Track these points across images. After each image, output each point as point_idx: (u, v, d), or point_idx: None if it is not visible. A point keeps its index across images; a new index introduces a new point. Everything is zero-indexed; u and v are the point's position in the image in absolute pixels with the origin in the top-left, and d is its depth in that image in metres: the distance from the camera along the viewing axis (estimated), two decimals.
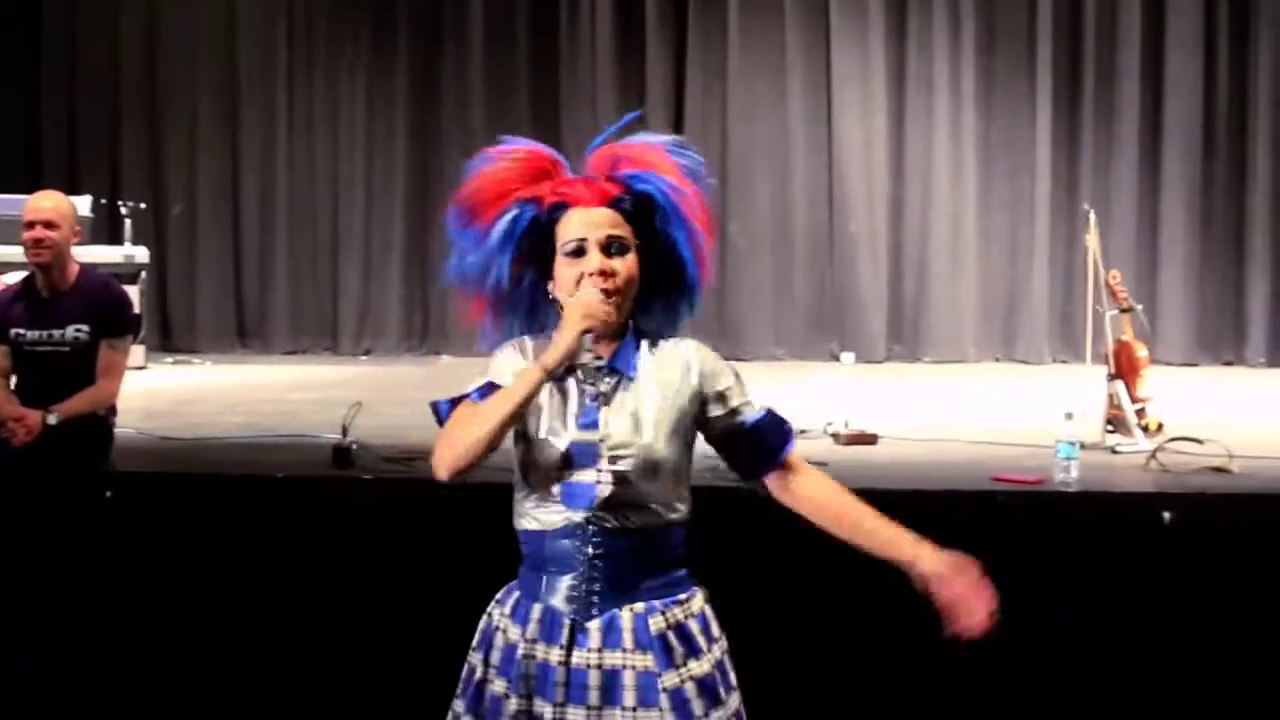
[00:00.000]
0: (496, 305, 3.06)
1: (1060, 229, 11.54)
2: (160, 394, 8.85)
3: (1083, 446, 5.66)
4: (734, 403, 3.02)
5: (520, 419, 2.86)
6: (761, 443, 3.05)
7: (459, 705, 3.02)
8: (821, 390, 9.16)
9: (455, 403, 2.96)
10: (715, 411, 3.02)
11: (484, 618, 3.03)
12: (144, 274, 10.32)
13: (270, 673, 5.25)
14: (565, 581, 2.92)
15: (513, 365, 2.95)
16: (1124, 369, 6.79)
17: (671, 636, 2.92)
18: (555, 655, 2.90)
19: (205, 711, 5.27)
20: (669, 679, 2.89)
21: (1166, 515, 5.21)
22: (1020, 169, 11.90)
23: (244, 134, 12.47)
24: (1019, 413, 8.17)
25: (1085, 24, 11.93)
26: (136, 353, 9.80)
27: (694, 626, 2.96)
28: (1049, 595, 5.01)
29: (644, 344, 3.00)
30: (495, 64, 12.13)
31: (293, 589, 5.25)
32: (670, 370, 2.98)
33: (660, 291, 3.03)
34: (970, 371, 11.36)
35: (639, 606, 2.92)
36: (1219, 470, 5.86)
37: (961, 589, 2.88)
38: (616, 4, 12.03)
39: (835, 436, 6.59)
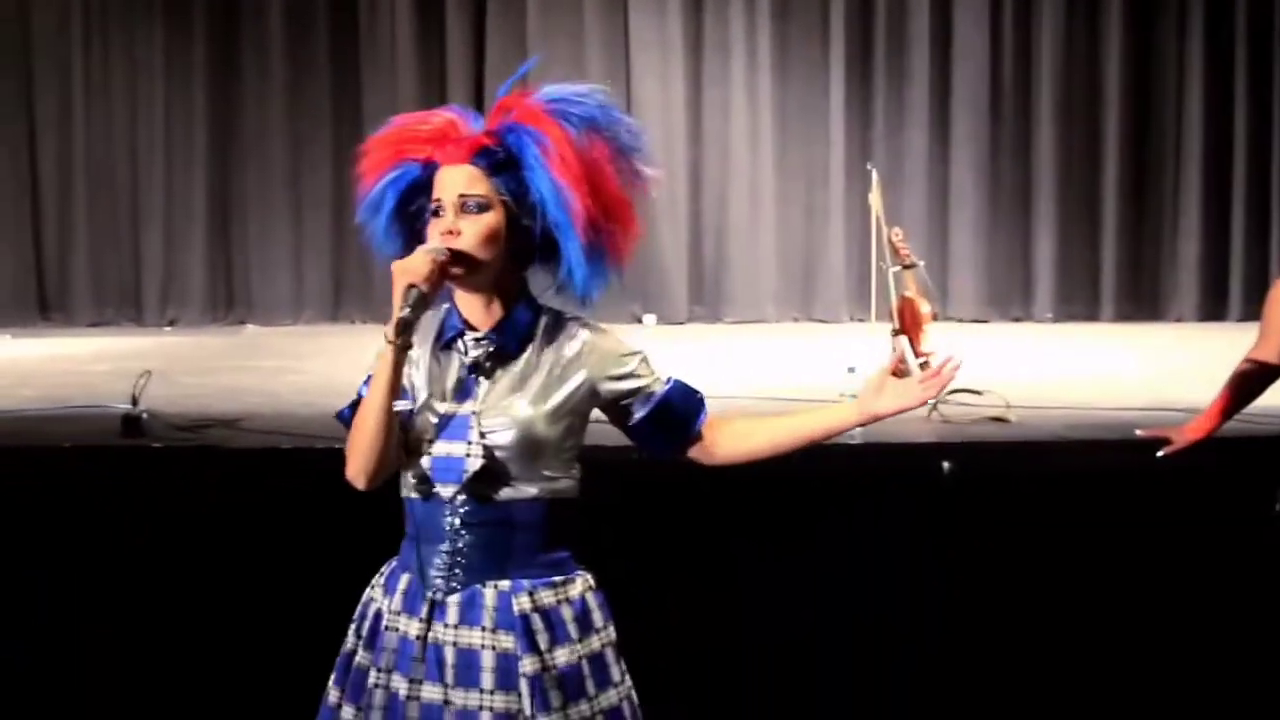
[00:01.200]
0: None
1: (854, 191, 11.65)
2: None
3: None
4: (636, 385, 2.87)
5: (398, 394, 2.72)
6: (675, 420, 2.92)
7: (332, 687, 2.92)
8: None
9: (354, 406, 2.84)
10: (618, 401, 2.87)
11: (367, 589, 2.92)
12: None
13: (58, 642, 5.12)
14: (434, 553, 2.79)
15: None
16: (908, 324, 6.87)
17: (536, 619, 2.78)
18: (415, 628, 2.79)
19: None
20: (529, 664, 2.75)
21: (946, 465, 5.28)
22: (815, 133, 12.03)
23: (39, 102, 12.07)
24: (813, 370, 8.25)
25: None
26: None
27: (566, 612, 2.82)
28: (832, 545, 5.08)
29: (543, 318, 2.84)
30: (294, 31, 11.93)
31: (80, 559, 5.13)
32: (563, 349, 2.82)
33: (546, 252, 2.81)
34: (770, 331, 11.49)
35: (504, 584, 2.78)
36: (997, 420, 5.96)
37: (888, 398, 2.83)
38: None
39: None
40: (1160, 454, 5.16)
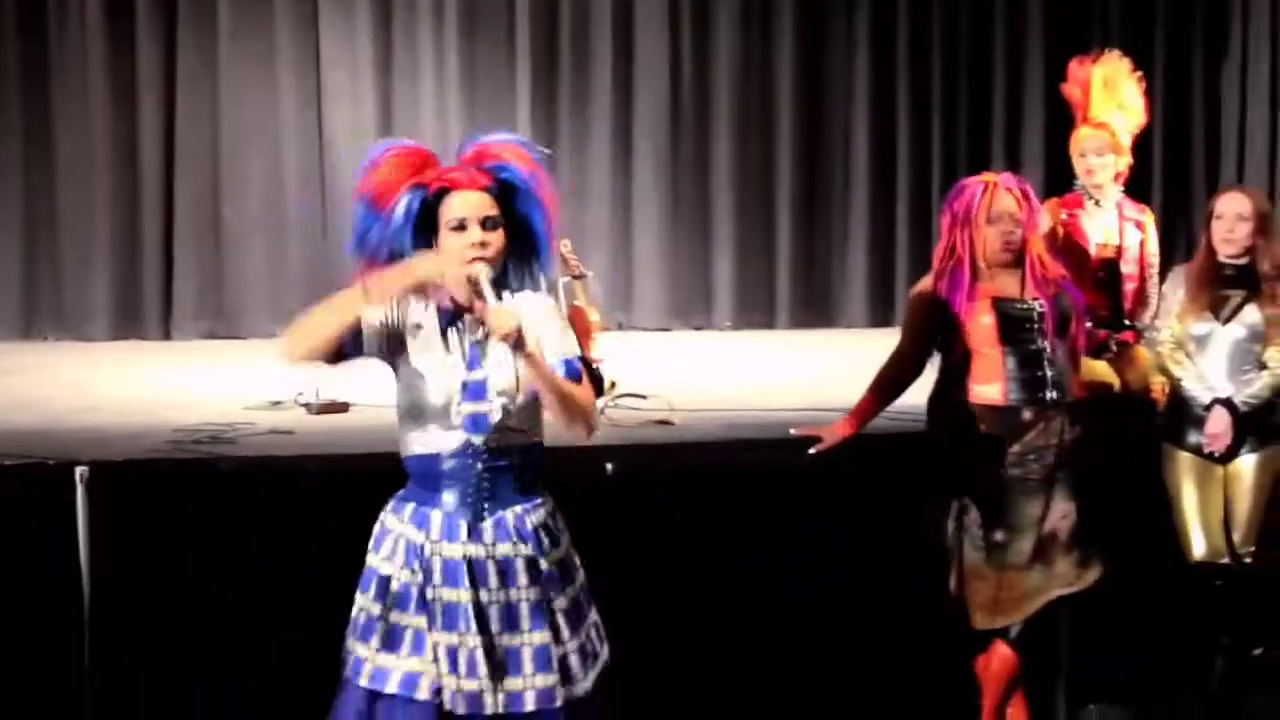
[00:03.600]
0: None
1: None
2: None
3: None
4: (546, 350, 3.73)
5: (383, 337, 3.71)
6: None
7: (364, 599, 3.76)
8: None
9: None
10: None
11: (377, 525, 3.81)
12: None
13: None
14: (457, 492, 3.70)
15: (403, 313, 3.72)
16: (579, 333, 6.92)
17: (542, 531, 3.77)
18: (457, 550, 3.68)
19: None
20: (545, 562, 3.75)
21: (609, 466, 5.37)
22: None
23: None
24: None
25: (560, 13, 12.10)
26: None
27: (552, 522, 3.83)
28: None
29: (511, 298, 3.71)
30: None
31: None
32: (533, 320, 3.66)
33: (522, 257, 3.81)
34: None
35: (517, 508, 3.75)
36: (663, 423, 6.08)
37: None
38: None
39: (307, 406, 6.51)
40: (811, 451, 5.36)
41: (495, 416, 3.67)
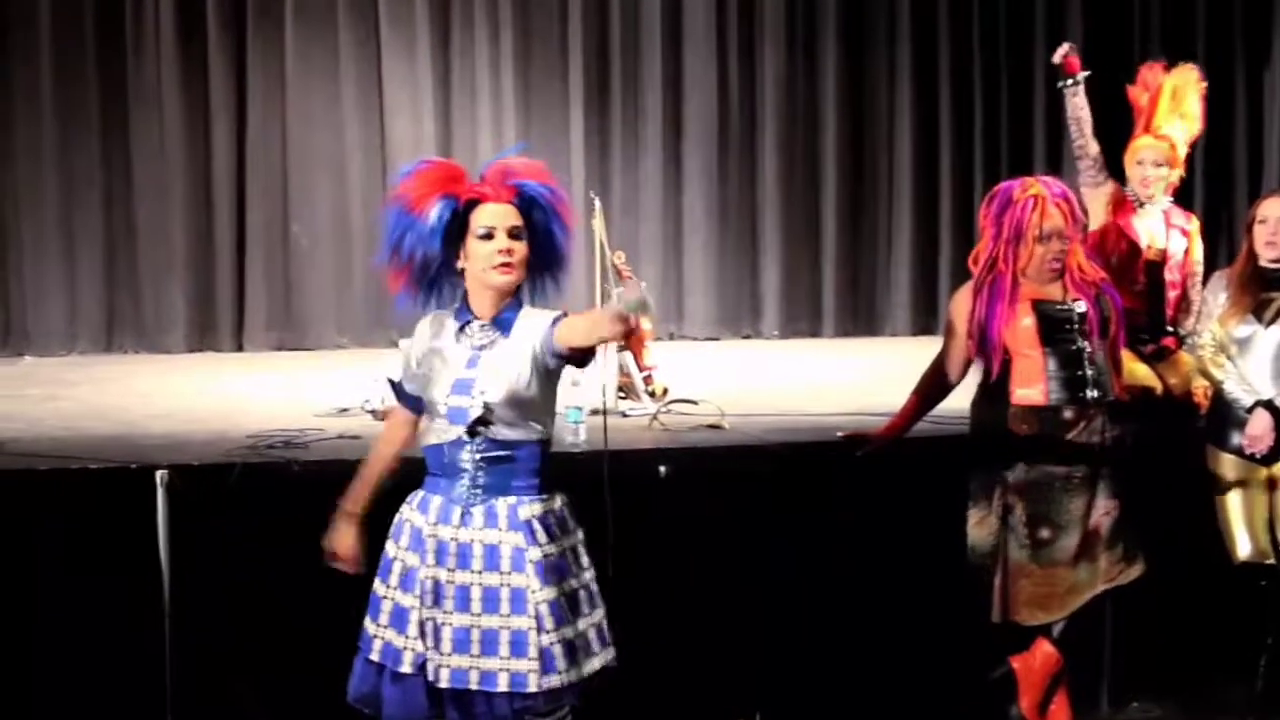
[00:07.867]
0: (416, 278, 3.92)
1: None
2: None
3: (593, 411, 5.77)
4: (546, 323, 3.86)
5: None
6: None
7: (379, 583, 3.99)
8: (379, 372, 9.07)
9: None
10: (546, 339, 3.84)
11: (397, 515, 3.99)
12: None
13: None
14: (457, 480, 3.87)
15: (422, 344, 3.99)
16: (631, 341, 6.95)
17: (535, 522, 3.85)
18: (448, 533, 3.86)
19: None
20: (533, 553, 3.82)
21: (663, 468, 5.37)
22: (557, 167, 11.86)
23: None
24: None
25: (611, 36, 12.14)
26: None
27: (552, 519, 3.91)
28: None
29: (524, 309, 3.92)
30: (62, 70, 11.38)
31: None
32: (534, 330, 3.84)
33: (542, 268, 3.97)
34: None
35: (511, 499, 3.86)
36: (713, 427, 6.07)
37: None
38: (179, 15, 11.43)
39: (373, 413, 6.53)
40: (858, 453, 5.34)
41: (474, 413, 3.82)
